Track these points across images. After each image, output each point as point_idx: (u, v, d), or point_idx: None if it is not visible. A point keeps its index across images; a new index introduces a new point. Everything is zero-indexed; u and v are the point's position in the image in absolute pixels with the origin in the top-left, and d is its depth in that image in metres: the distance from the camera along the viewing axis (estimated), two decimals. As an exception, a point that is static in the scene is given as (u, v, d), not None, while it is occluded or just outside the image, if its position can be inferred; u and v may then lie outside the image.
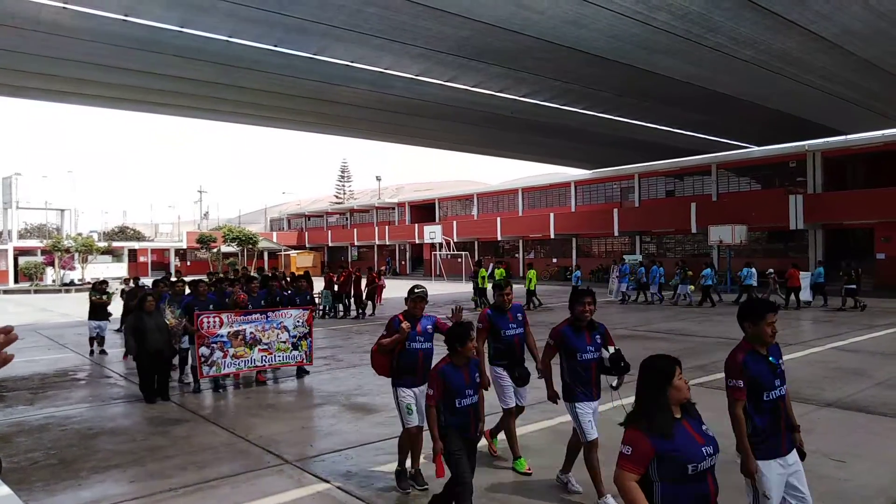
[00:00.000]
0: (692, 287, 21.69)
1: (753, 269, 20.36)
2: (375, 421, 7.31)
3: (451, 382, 4.19)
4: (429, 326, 5.17)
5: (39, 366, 11.47)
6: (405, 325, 4.99)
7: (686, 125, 26.63)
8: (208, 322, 8.76)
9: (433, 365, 4.45)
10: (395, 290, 30.81)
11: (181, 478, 5.41)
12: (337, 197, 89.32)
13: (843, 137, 28.05)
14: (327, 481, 5.22)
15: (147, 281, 16.95)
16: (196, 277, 11.57)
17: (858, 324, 15.08)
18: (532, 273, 21.10)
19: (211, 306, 9.33)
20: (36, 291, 36.65)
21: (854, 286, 18.27)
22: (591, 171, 39.50)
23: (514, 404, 5.57)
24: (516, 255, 43.14)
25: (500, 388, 5.59)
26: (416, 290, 5.18)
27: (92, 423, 7.32)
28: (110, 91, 21.08)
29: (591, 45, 16.34)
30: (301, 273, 16.56)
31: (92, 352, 12.59)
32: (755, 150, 31.44)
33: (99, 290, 13.19)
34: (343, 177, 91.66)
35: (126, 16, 14.12)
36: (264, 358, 9.21)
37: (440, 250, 42.59)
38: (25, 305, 27.06)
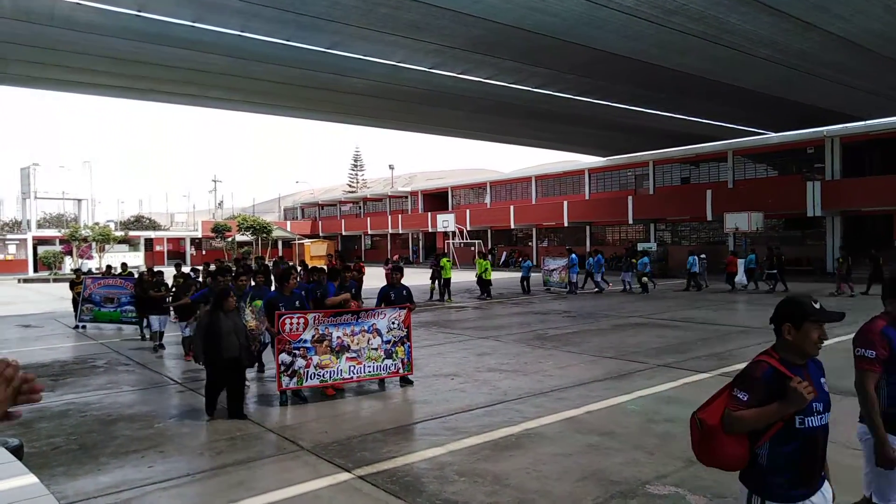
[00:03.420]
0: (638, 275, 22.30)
1: (695, 258, 22.47)
2: (388, 408, 7.35)
3: None
4: (824, 380, 2.68)
5: (59, 353, 11.65)
6: (807, 388, 2.42)
7: (701, 114, 26.34)
8: (291, 324, 7.33)
9: None
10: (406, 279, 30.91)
11: (198, 463, 5.48)
12: (350, 186, 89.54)
13: (861, 123, 27.58)
14: (346, 469, 5.24)
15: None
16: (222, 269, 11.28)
17: (878, 311, 14.86)
18: (486, 263, 20.99)
19: (297, 303, 7.86)
20: (55, 280, 37.15)
21: (775, 271, 20.79)
22: (605, 159, 39.19)
23: None
24: (530, 244, 43.02)
25: None
26: (814, 304, 2.58)
27: (111, 409, 7.42)
28: (125, 82, 21.23)
29: (606, 43, 16.39)
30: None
31: (157, 347, 11.59)
32: (772, 136, 31.00)
33: (155, 283, 12.43)
34: (356, 166, 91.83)
35: (140, 11, 14.20)
36: (352, 368, 7.64)
37: (453, 239, 42.57)
38: (44, 294, 27.46)
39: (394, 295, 8.63)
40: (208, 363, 6.87)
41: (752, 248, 23.74)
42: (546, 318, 15.34)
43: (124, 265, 17.46)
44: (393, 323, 7.97)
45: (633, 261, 22.74)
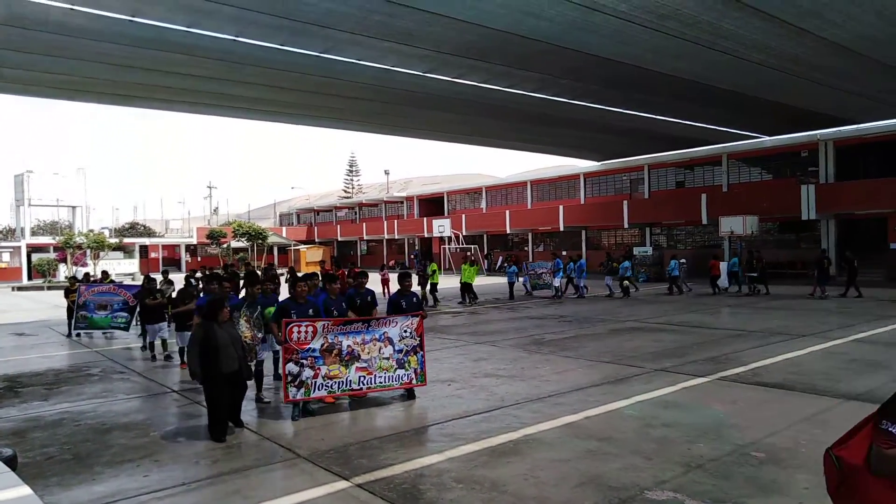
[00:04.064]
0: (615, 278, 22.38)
1: (675, 262, 22.50)
2: (385, 415, 7.31)
3: None
4: None
5: (53, 361, 11.57)
6: None
7: (696, 118, 26.48)
8: (299, 332, 6.97)
9: None
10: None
11: (194, 472, 5.43)
12: (346, 191, 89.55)
13: (854, 126, 27.72)
14: (343, 477, 5.20)
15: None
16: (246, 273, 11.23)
17: (871, 314, 14.93)
18: (471, 269, 21.12)
19: (311, 311, 7.48)
20: (49, 288, 36.96)
21: (756, 273, 21.11)
22: (600, 163, 39.28)
23: None
24: (525, 248, 43.05)
25: None
26: None
27: (105, 418, 7.36)
28: (119, 88, 21.20)
29: (600, 48, 16.50)
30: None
31: (154, 357, 11.38)
32: (766, 139, 31.13)
33: (149, 290, 12.28)
34: (351, 171, 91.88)
35: (133, 17, 14.19)
36: (362, 379, 7.25)
37: (449, 244, 42.56)
38: (39, 301, 27.32)
39: (405, 303, 8.28)
40: (206, 379, 6.37)
41: (735, 252, 23.86)
42: (542, 323, 15.32)
43: (105, 273, 17.32)
44: (405, 331, 7.59)
45: (615, 265, 22.79)
